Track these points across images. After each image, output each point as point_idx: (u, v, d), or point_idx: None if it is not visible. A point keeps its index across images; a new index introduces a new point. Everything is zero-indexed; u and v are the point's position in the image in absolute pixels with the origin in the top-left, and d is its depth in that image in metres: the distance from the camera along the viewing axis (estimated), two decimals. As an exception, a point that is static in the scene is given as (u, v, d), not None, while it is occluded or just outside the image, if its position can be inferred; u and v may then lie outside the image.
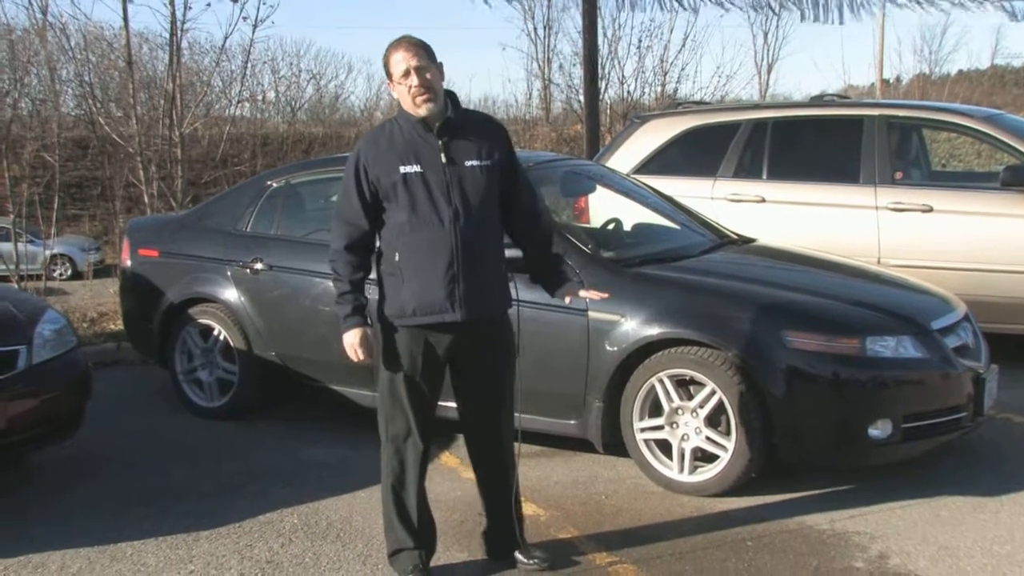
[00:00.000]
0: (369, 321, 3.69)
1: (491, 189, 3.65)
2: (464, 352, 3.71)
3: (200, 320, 6.13)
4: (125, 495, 4.87)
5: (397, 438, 3.76)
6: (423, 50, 3.60)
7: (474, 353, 3.72)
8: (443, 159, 3.59)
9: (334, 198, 6.50)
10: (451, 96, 3.69)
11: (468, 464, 4.76)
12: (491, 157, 3.65)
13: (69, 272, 20.98)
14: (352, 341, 3.66)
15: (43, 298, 7.81)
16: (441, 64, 3.67)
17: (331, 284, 5.48)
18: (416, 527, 3.82)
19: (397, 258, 3.61)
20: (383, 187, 3.59)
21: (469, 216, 3.57)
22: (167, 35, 11.33)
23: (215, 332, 6.08)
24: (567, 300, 3.89)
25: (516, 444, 3.90)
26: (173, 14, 11.06)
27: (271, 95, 23.48)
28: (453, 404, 3.89)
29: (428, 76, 3.57)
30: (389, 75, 3.65)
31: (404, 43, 3.61)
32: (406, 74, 3.57)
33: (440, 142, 3.60)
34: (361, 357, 3.67)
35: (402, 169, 3.56)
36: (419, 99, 3.56)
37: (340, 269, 3.68)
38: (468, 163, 3.61)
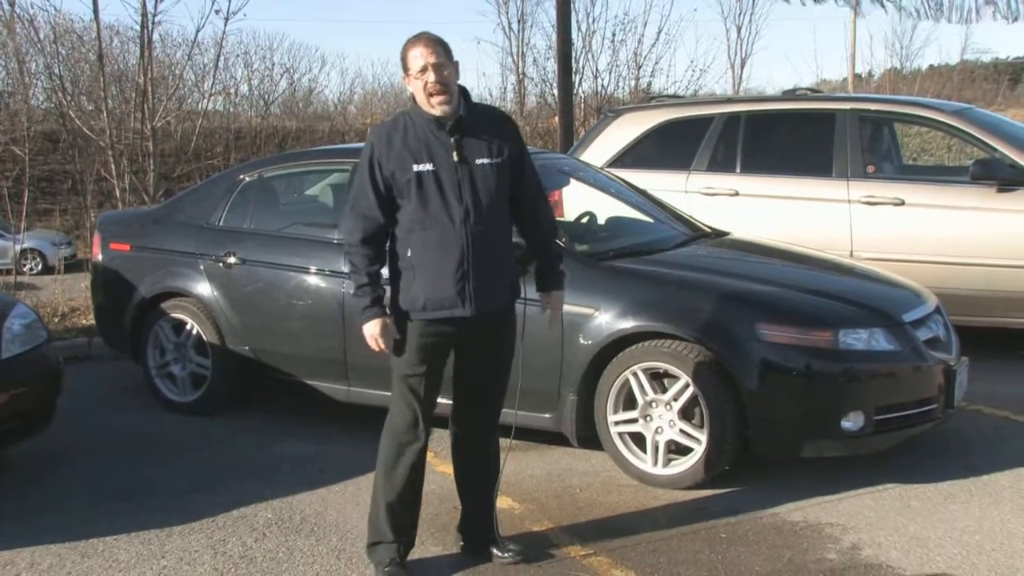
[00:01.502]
0: (388, 312, 3.71)
1: (501, 186, 3.69)
2: (469, 343, 3.76)
3: (173, 315, 6.09)
4: (97, 490, 4.83)
5: (400, 431, 3.78)
6: (441, 47, 3.62)
7: (479, 344, 3.77)
8: (455, 157, 3.61)
9: (308, 192, 6.50)
10: (463, 92, 3.72)
11: (443, 458, 4.76)
12: (502, 154, 3.69)
13: (40, 267, 20.80)
14: (373, 331, 3.68)
15: (12, 293, 7.73)
16: (457, 63, 3.70)
17: (303, 278, 5.55)
18: (402, 522, 3.84)
19: (409, 253, 3.65)
20: (397, 183, 3.62)
21: (479, 214, 3.60)
22: (138, 28, 11.27)
23: (188, 327, 6.04)
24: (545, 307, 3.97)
25: (508, 441, 3.91)
26: (144, 7, 11.00)
27: (244, 89, 23.33)
28: (440, 399, 3.90)
29: (445, 74, 3.59)
30: (406, 69, 3.66)
31: (423, 39, 3.62)
32: (423, 70, 3.58)
33: (452, 140, 3.62)
34: (382, 346, 3.70)
35: (415, 168, 3.59)
36: (435, 98, 3.59)
37: (357, 262, 3.70)
38: (479, 161, 3.64)
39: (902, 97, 11.46)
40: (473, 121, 3.69)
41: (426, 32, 3.67)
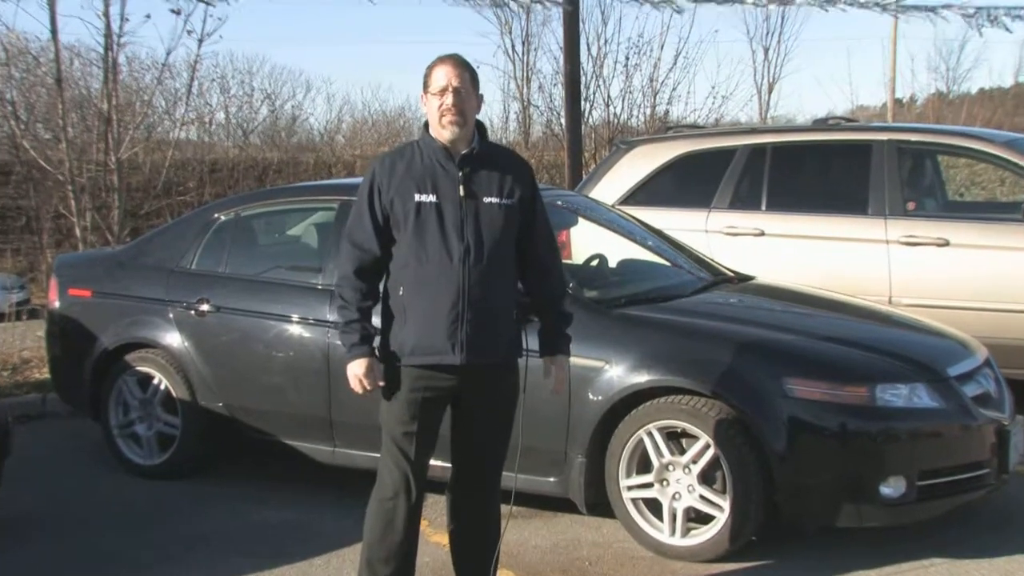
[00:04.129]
0: (377, 354, 3.77)
1: (508, 229, 3.75)
2: (466, 396, 3.81)
3: (138, 367, 6.12)
4: (53, 566, 4.84)
5: (389, 496, 3.80)
6: (468, 74, 3.73)
7: (476, 398, 3.81)
8: (461, 191, 3.69)
9: (290, 232, 6.56)
10: (480, 128, 3.81)
11: (437, 526, 4.78)
12: (512, 196, 3.76)
13: (-12, 314, 20.80)
14: (358, 371, 3.73)
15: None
16: (482, 96, 3.81)
17: (285, 327, 5.60)
18: None
19: (401, 292, 3.71)
20: (395, 213, 3.69)
21: (480, 255, 3.66)
22: (102, 49, 11.36)
23: (155, 381, 6.07)
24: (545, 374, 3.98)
25: (508, 507, 3.95)
26: (108, 26, 11.07)
27: (220, 116, 23.50)
28: (436, 461, 3.93)
29: (464, 99, 3.69)
30: (426, 86, 3.75)
31: (453, 60, 3.74)
32: (443, 91, 3.68)
33: (460, 173, 3.70)
34: (368, 387, 3.75)
35: (417, 197, 3.67)
36: (446, 119, 3.67)
37: (347, 296, 3.77)
38: (487, 199, 3.71)
39: (946, 127, 11.53)
40: (486, 157, 3.77)
41: (458, 54, 3.78)
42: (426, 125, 3.80)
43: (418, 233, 3.66)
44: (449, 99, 3.67)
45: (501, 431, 3.92)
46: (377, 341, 3.80)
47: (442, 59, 3.75)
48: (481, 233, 3.68)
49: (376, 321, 3.83)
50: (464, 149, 3.72)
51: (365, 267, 3.76)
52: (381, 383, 3.76)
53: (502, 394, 3.86)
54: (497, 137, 18.89)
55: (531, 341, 3.99)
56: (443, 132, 3.70)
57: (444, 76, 3.69)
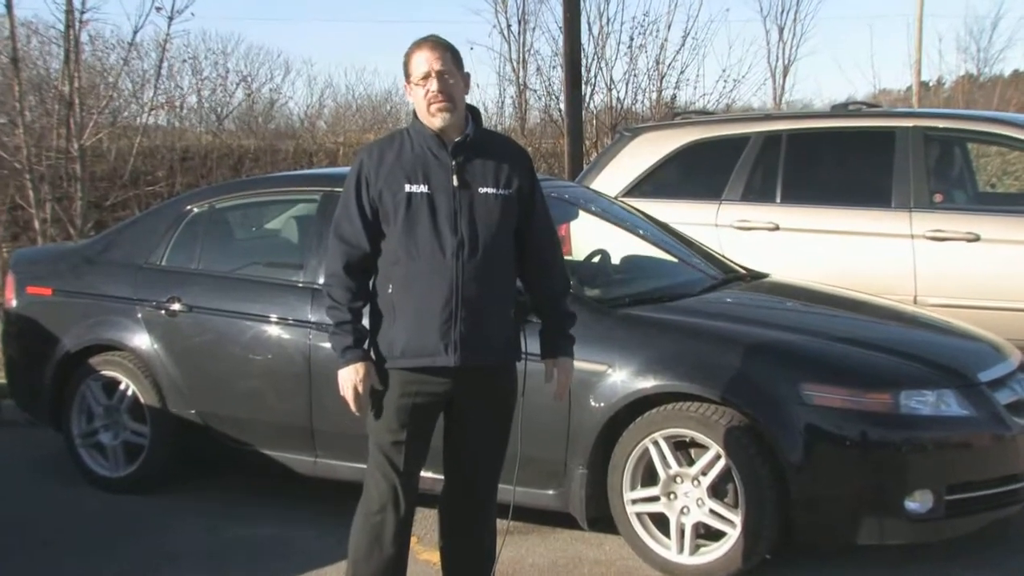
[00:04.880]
0: (372, 356, 3.78)
1: (506, 222, 3.76)
2: (459, 402, 3.81)
3: (103, 372, 6.12)
4: (11, 584, 4.85)
5: (375, 510, 3.81)
6: (450, 54, 3.74)
7: (470, 404, 3.82)
8: (455, 181, 3.70)
9: (269, 225, 6.56)
10: (473, 112, 3.83)
11: (428, 543, 4.79)
12: (510, 186, 3.78)
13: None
14: (351, 377, 3.73)
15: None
16: (468, 75, 3.82)
17: (263, 328, 5.60)
18: None
19: (391, 290, 3.73)
20: (384, 205, 3.71)
21: (475, 249, 3.68)
22: (62, 27, 11.31)
23: (122, 386, 6.07)
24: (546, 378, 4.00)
25: (505, 522, 3.96)
26: (69, 1, 11.04)
27: (192, 100, 23.43)
28: (427, 472, 3.94)
29: (450, 83, 3.70)
30: (407, 75, 3.78)
31: (430, 43, 3.75)
32: (426, 77, 3.70)
33: (454, 162, 3.72)
34: (361, 392, 3.74)
35: (407, 188, 3.69)
36: (435, 106, 3.69)
37: (337, 295, 3.77)
38: (483, 190, 3.73)
39: (976, 112, 11.54)
40: (481, 145, 3.79)
41: (434, 35, 3.79)
42: (415, 112, 3.81)
43: (408, 226, 3.67)
44: (434, 85, 3.68)
45: (497, 440, 3.92)
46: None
47: (418, 44, 3.76)
48: (476, 226, 3.69)
49: (367, 322, 3.84)
50: (457, 136, 3.74)
51: (354, 264, 3.77)
52: (379, 387, 3.76)
53: (499, 399, 3.87)
54: (492, 123, 18.87)
55: (531, 343, 3.99)
56: (433, 120, 3.71)
57: (424, 62, 3.70)
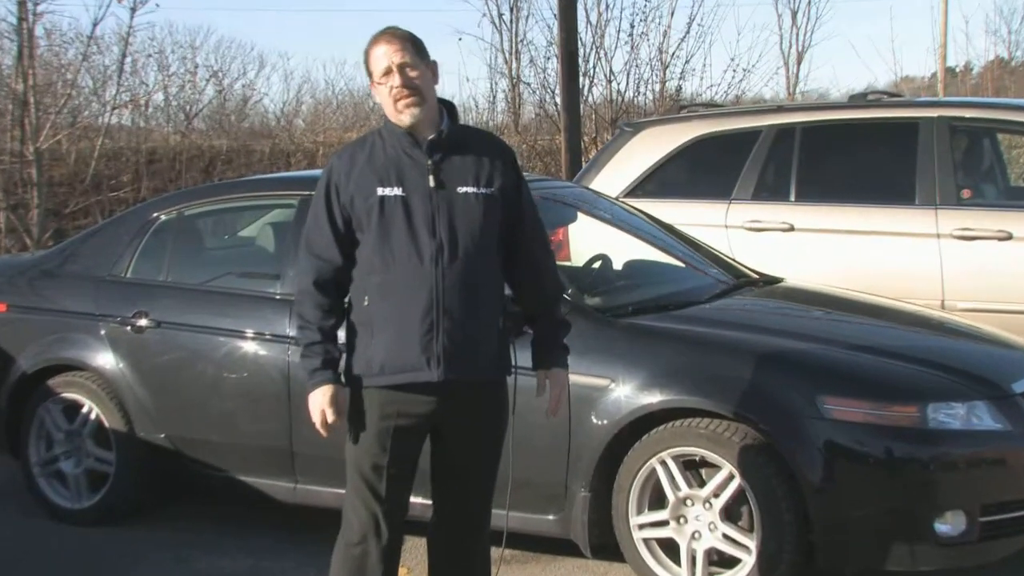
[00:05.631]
0: (343, 380, 3.77)
1: (489, 224, 3.74)
2: (445, 421, 3.79)
3: (63, 394, 6.11)
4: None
5: (356, 540, 3.79)
6: (411, 44, 3.74)
7: (458, 423, 3.80)
8: (431, 182, 3.69)
9: (243, 233, 6.56)
10: (448, 106, 3.83)
11: (417, 575, 4.78)
12: (492, 185, 3.76)
13: None
14: (320, 401, 3.72)
15: None
16: (435, 63, 3.82)
17: (237, 344, 5.59)
18: None
19: (366, 302, 3.71)
20: (356, 212, 3.70)
21: (456, 253, 3.66)
22: (15, 19, 11.33)
23: (84, 409, 6.06)
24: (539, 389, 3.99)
25: (499, 550, 3.96)
26: (23, -7, 11.07)
27: (158, 98, 23.46)
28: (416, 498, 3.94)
29: (413, 75, 3.70)
30: (369, 74, 3.78)
31: (387, 35, 3.74)
32: (387, 72, 3.69)
33: (429, 161, 3.71)
34: (331, 420, 3.73)
35: (380, 191, 3.68)
36: (401, 103, 3.69)
37: (307, 313, 3.77)
38: (462, 189, 3.71)
39: (1008, 101, 11.55)
40: (458, 141, 3.78)
41: (391, 27, 3.78)
42: (384, 113, 3.81)
43: (383, 232, 3.66)
44: (397, 80, 3.68)
45: (489, 461, 3.91)
46: (343, 364, 3.80)
47: (375, 38, 3.76)
48: (456, 228, 3.67)
49: (343, 340, 3.83)
50: (431, 133, 3.73)
51: (326, 279, 3.76)
52: (346, 411, 3.74)
53: (489, 417, 3.85)
54: (483, 119, 18.90)
55: (523, 356, 3.98)
56: (402, 117, 3.71)
57: (384, 56, 3.70)
